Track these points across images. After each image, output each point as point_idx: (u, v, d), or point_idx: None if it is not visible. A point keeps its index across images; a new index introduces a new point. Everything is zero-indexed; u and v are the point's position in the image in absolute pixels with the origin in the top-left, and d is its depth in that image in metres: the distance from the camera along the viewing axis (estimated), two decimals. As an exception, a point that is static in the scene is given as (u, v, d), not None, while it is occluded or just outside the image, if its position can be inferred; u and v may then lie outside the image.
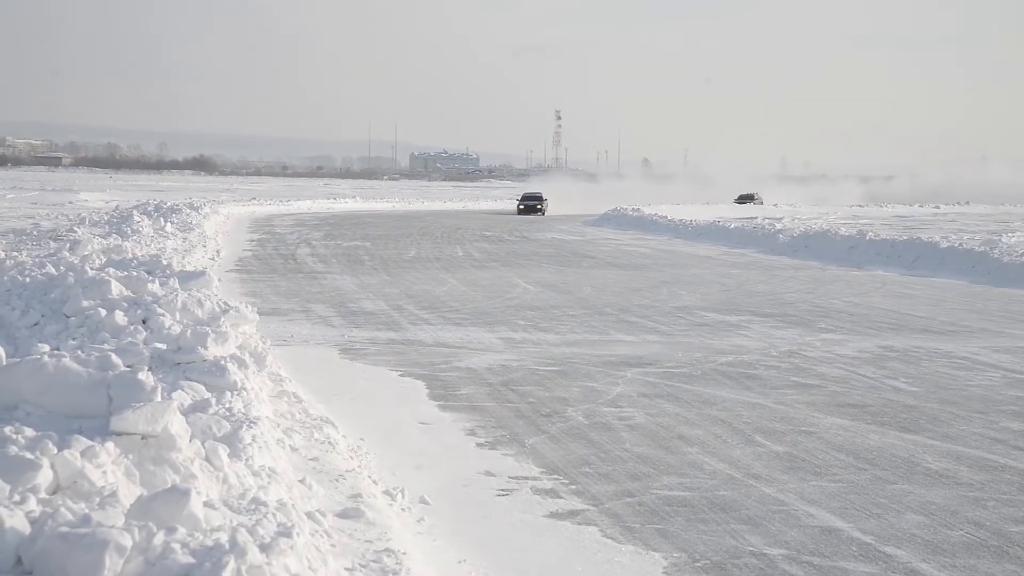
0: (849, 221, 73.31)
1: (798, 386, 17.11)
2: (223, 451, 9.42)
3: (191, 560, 6.39)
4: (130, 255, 26.36)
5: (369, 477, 11.33)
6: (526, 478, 11.91)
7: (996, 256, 38.41)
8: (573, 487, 11.55)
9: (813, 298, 30.45)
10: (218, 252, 42.47)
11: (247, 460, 9.62)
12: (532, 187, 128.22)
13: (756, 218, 70.92)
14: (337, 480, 10.92)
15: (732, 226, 61.10)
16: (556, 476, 11.97)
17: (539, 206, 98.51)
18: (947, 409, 15.49)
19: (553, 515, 10.65)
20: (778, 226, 58.57)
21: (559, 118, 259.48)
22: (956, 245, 42.31)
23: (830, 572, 9.11)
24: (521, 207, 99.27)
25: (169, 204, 62.38)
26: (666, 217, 73.32)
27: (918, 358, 20.02)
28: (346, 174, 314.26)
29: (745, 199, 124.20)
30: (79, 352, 11.51)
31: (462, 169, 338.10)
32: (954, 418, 14.93)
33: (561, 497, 11.21)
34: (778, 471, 12.17)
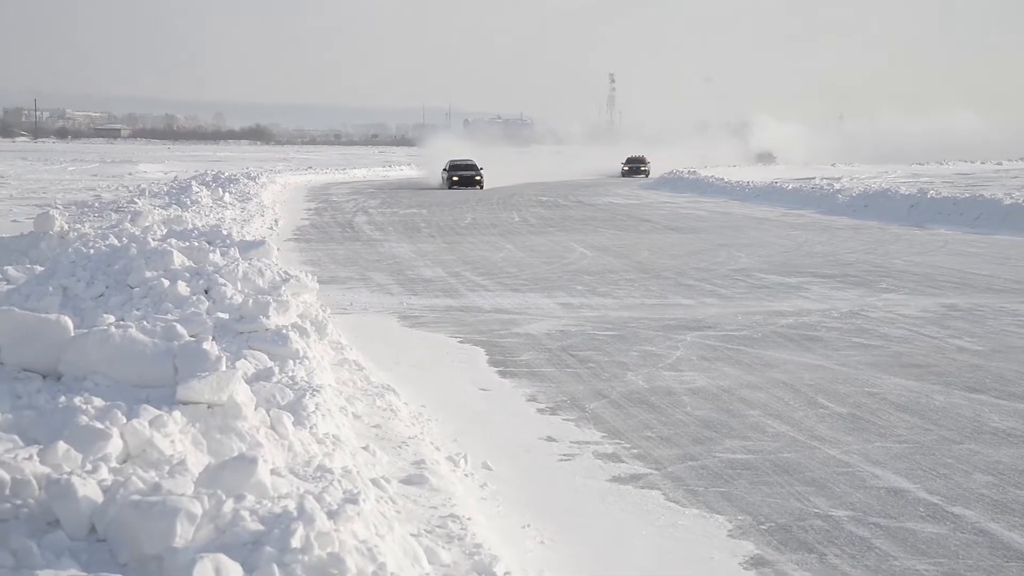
0: (909, 180, 72.73)
1: (860, 347, 17.04)
2: (287, 419, 9.49)
3: (260, 527, 6.44)
4: (190, 226, 26.53)
5: (431, 443, 11.38)
6: (588, 443, 11.93)
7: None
8: (635, 451, 11.56)
9: (874, 258, 30.31)
10: (276, 221, 42.76)
11: (311, 428, 9.69)
12: (429, 153, 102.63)
13: (814, 179, 70.50)
14: (400, 447, 10.98)
15: (790, 187, 60.97)
16: (618, 440, 11.98)
17: (477, 177, 78.00)
18: (1013, 368, 15.41)
19: (616, 479, 10.67)
20: (836, 186, 58.36)
21: (613, 81, 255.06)
22: (1020, 202, 41.93)
23: (897, 533, 9.08)
24: (455, 178, 78.15)
25: (227, 174, 62.68)
26: (723, 179, 73.12)
27: (983, 317, 19.91)
28: (401, 141, 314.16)
29: (635, 163, 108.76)
30: (144, 323, 11.64)
31: (516, 135, 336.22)
32: (1021, 377, 14.84)
33: (623, 461, 11.22)
34: (842, 432, 12.13)
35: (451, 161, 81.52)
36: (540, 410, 13.42)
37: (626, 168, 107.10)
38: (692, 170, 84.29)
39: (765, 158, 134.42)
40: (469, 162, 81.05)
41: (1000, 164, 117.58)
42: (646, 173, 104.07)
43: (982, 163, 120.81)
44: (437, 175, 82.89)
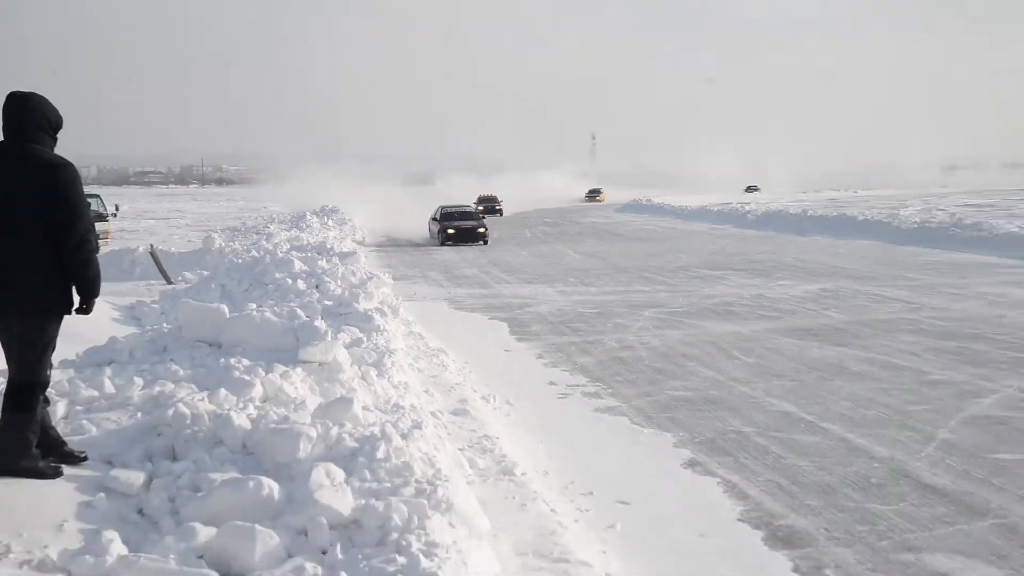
0: (794, 203, 72.34)
1: (763, 317, 17.07)
2: (373, 372, 9.57)
3: (356, 445, 6.54)
4: (305, 242, 26.68)
5: (471, 388, 11.42)
6: (577, 386, 11.97)
7: (896, 225, 38.14)
8: (610, 391, 11.61)
9: (772, 257, 30.26)
10: (364, 239, 42.77)
11: (389, 378, 9.75)
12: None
13: (731, 203, 70.16)
14: (450, 390, 11.05)
15: (715, 209, 60.70)
16: (598, 384, 12.03)
17: (480, 229, 40.60)
18: (865, 329, 15.43)
19: (597, 410, 10.72)
20: (747, 208, 58.14)
21: (594, 138, 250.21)
22: (869, 218, 41.97)
23: (786, 442, 9.14)
24: (450, 231, 40.43)
25: (330, 206, 62.10)
26: (670, 204, 72.75)
27: (845, 295, 19.90)
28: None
29: (487, 201, 72.56)
30: (275, 308, 11.73)
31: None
32: (870, 335, 14.86)
33: (602, 398, 11.27)
34: (750, 376, 12.18)
35: (443, 208, 43.37)
36: (545, 364, 13.47)
37: (480, 209, 59.73)
38: (648, 199, 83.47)
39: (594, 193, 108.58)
40: (467, 208, 44.28)
41: (856, 192, 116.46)
42: (500, 212, 71.49)
43: (845, 191, 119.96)
44: None
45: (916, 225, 37.30)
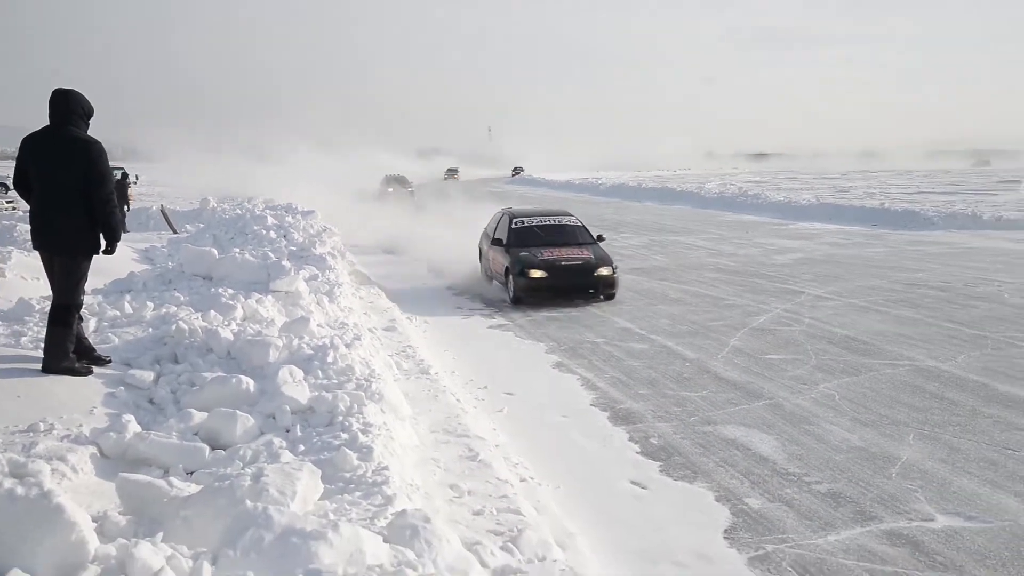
0: (631, 179, 73.01)
1: (609, 260, 17.20)
2: (325, 299, 9.42)
3: (312, 352, 6.43)
4: (276, 203, 26.02)
5: (399, 311, 11.32)
6: (476, 310, 11.96)
7: (703, 195, 38.80)
8: (500, 313, 11.63)
9: (617, 216, 30.51)
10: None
11: (337, 303, 9.63)
12: None
13: (588, 178, 70.44)
14: (383, 312, 10.95)
15: (576, 182, 60.95)
16: (491, 308, 12.03)
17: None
18: (681, 268, 15.67)
19: (491, 327, 10.73)
20: (600, 182, 58.54)
21: (490, 129, 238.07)
22: (684, 189, 42.55)
23: (625, 348, 9.25)
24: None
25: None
26: (545, 178, 72.77)
27: (667, 244, 20.19)
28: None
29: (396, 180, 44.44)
30: (252, 251, 11.41)
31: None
32: (684, 272, 15.10)
33: (494, 318, 11.29)
34: (601, 302, 12.28)
35: (513, 216, 13.92)
36: (454, 294, 13.43)
37: (390, 191, 41.37)
38: (531, 175, 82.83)
39: (451, 172, 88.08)
40: (559, 218, 14.03)
41: (676, 171, 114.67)
42: (412, 192, 46.14)
43: (671, 171, 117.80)
44: None
45: (716, 195, 38.00)
